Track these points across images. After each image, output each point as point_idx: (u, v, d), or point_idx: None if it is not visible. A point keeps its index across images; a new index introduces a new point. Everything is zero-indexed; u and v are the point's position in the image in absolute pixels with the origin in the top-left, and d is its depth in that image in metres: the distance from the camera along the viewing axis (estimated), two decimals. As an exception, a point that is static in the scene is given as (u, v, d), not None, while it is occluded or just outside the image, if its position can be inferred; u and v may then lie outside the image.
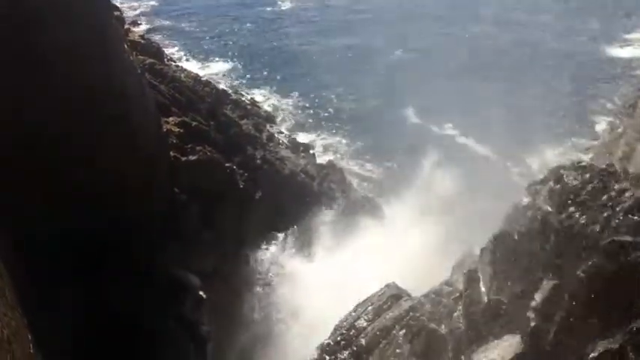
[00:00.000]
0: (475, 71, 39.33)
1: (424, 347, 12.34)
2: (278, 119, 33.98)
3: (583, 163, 10.26)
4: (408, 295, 14.24)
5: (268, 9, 55.56)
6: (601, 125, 32.62)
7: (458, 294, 12.33)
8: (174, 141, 18.82)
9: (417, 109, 36.27)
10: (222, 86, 31.06)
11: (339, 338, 13.81)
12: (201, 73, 31.22)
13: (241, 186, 20.58)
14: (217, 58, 44.25)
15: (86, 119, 13.43)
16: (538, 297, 9.22)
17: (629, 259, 8.09)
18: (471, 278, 11.67)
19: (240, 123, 24.03)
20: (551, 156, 30.10)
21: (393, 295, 14.23)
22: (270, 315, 19.66)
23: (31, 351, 8.39)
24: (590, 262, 8.54)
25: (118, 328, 13.28)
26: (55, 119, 12.62)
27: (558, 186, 9.87)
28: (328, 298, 17.63)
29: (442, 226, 19.98)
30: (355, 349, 13.41)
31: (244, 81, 40.66)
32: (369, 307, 14.12)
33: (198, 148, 19.23)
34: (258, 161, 22.36)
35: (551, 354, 8.69)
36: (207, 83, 24.38)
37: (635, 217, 8.46)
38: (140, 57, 21.20)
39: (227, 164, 20.28)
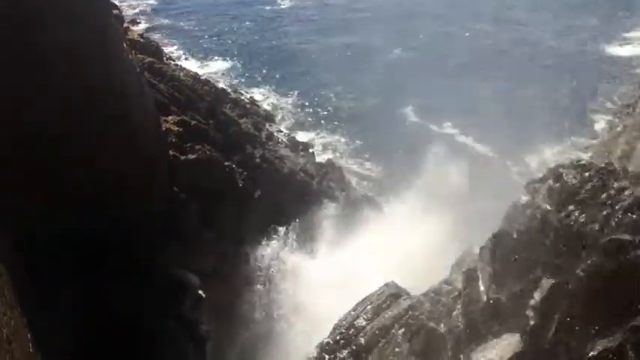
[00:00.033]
0: (474, 70, 39.35)
1: (423, 346, 12.34)
2: (277, 118, 33.97)
3: (582, 162, 10.27)
4: (407, 294, 14.25)
5: (267, 8, 55.54)
6: (600, 124, 32.64)
7: (457, 293, 12.33)
8: (174, 140, 18.82)
9: (416, 107, 36.29)
10: (221, 85, 31.08)
11: (338, 337, 13.82)
12: (200, 71, 31.22)
13: (240, 185, 20.57)
14: (216, 57, 44.23)
15: (86, 119, 13.42)
16: (537, 296, 9.23)
17: (629, 258, 8.09)
18: (470, 277, 11.68)
19: (240, 122, 24.02)
20: (550, 155, 30.11)
21: (392, 294, 14.23)
22: (272, 312, 19.65)
23: (31, 350, 8.40)
24: (589, 261, 8.55)
25: (118, 327, 13.28)
26: (55, 119, 12.61)
27: (558, 185, 9.88)
28: (331, 295, 17.64)
29: (442, 224, 19.99)
30: (354, 348, 13.42)
31: (243, 80, 40.65)
32: (368, 306, 14.13)
33: (197, 147, 19.23)
34: (258, 160, 22.36)
35: (550, 353, 8.70)
36: (207, 82, 24.39)
37: (635, 216, 8.46)
38: (139, 56, 21.20)
39: (226, 163, 20.27)
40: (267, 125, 27.75)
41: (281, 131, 30.12)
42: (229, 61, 43.64)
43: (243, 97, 31.22)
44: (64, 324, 11.56)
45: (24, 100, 12.22)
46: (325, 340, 13.97)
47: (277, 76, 41.47)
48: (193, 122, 20.01)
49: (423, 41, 46.17)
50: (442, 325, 12.26)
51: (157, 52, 24.16)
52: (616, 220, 8.61)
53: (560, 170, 10.05)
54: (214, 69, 41.70)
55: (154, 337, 14.91)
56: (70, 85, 13.00)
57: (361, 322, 13.89)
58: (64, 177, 12.95)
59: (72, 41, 12.89)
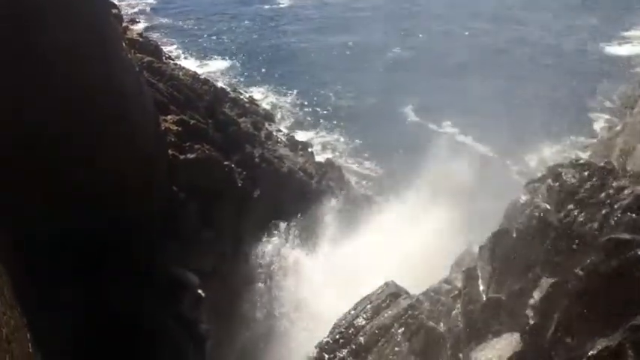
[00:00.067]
0: (474, 69, 39.29)
1: (423, 345, 12.35)
2: (276, 117, 33.98)
3: (581, 161, 10.27)
4: (407, 293, 14.24)
5: (266, 7, 55.54)
6: (599, 123, 32.71)
7: (457, 292, 12.35)
8: (173, 139, 18.80)
9: (415, 107, 36.31)
10: (220, 84, 31.07)
11: (337, 336, 13.81)
12: (199, 71, 31.21)
13: (240, 184, 20.57)
14: (216, 56, 44.23)
15: (86, 119, 13.41)
16: (537, 295, 9.23)
17: (628, 257, 8.09)
18: (470, 276, 11.68)
19: (239, 121, 24.01)
20: (549, 154, 30.15)
21: (392, 293, 14.22)
22: (273, 311, 19.65)
23: (30, 350, 8.40)
24: (588, 260, 8.55)
25: (118, 327, 13.28)
26: (55, 119, 12.60)
27: (557, 184, 9.89)
28: (333, 292, 17.64)
29: (442, 224, 20.00)
30: (354, 347, 13.41)
31: (243, 79, 40.65)
32: (368, 306, 14.12)
33: (196, 146, 19.22)
34: (257, 159, 22.35)
35: (549, 352, 8.70)
36: (206, 81, 24.35)
37: (634, 215, 8.47)
38: (138, 55, 21.17)
39: (225, 162, 20.27)
40: (266, 124, 27.75)
41: (280, 130, 30.14)
42: (228, 61, 43.63)
43: (242, 97, 31.22)
44: (64, 324, 11.55)
45: (24, 100, 12.21)
46: (325, 340, 13.96)
47: (276, 75, 41.47)
48: (192, 121, 20.00)
49: (423, 40, 46.21)
50: (442, 325, 12.27)
51: (156, 51, 24.13)
52: (615, 219, 8.62)
53: (560, 169, 10.06)
54: (213, 68, 41.69)
55: (154, 337, 14.92)
56: (70, 85, 12.99)
57: (361, 321, 13.88)
58: (64, 177, 12.94)
59: (72, 41, 12.88)
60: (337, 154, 32.56)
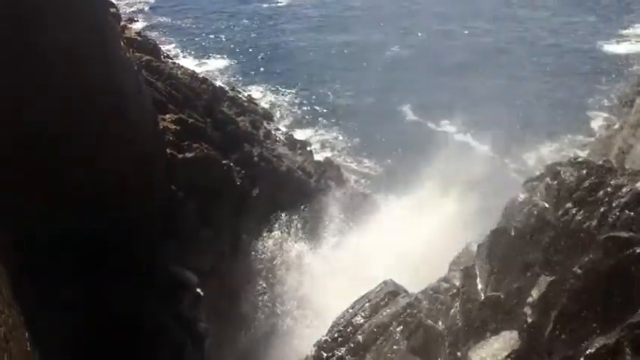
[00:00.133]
0: (472, 68, 39.38)
1: (421, 343, 12.36)
2: (275, 116, 33.98)
3: (580, 160, 10.27)
4: (405, 291, 14.26)
5: (265, 5, 55.50)
6: (597, 122, 32.73)
7: (455, 291, 12.35)
8: (171, 138, 18.79)
9: (414, 105, 36.32)
10: (219, 83, 31.05)
11: (336, 335, 13.82)
12: (198, 70, 31.17)
13: (238, 183, 20.57)
14: (214, 55, 44.21)
15: (86, 119, 13.42)
16: (535, 293, 9.23)
17: (626, 255, 8.09)
18: (468, 275, 11.69)
19: (237, 120, 24.00)
20: (547, 152, 30.20)
21: (390, 291, 14.24)
22: (276, 308, 19.63)
23: (28, 349, 8.40)
24: (586, 258, 8.55)
25: (118, 327, 13.28)
26: (55, 119, 12.60)
27: (555, 182, 9.89)
28: (337, 286, 17.63)
29: (441, 223, 20.05)
30: (352, 345, 13.42)
31: (241, 78, 40.64)
32: (366, 304, 14.14)
33: (195, 145, 19.21)
34: (256, 158, 22.35)
35: (547, 350, 8.71)
36: (204, 80, 24.33)
37: (632, 213, 8.47)
38: (137, 54, 21.15)
39: (224, 161, 20.27)
40: (264, 123, 27.75)
41: (279, 129, 30.15)
42: (227, 59, 43.61)
43: (240, 96, 31.19)
44: (64, 324, 11.56)
45: (24, 100, 12.21)
46: (323, 338, 13.98)
47: (275, 74, 41.47)
48: (191, 120, 20.00)
49: (422, 39, 46.20)
50: (440, 323, 12.28)
51: (154, 50, 24.10)
52: (613, 217, 8.62)
53: (558, 168, 10.06)
54: (212, 67, 41.68)
55: (153, 336, 14.92)
56: (70, 85, 12.99)
57: (359, 319, 13.89)
58: (64, 177, 12.94)
59: (72, 41, 12.88)
60: (336, 152, 32.58)
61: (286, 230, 21.06)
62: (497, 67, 39.06)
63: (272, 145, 25.09)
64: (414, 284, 14.35)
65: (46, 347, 9.34)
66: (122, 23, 25.71)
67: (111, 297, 13.33)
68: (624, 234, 8.27)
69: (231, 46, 46.17)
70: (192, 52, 44.20)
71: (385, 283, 14.59)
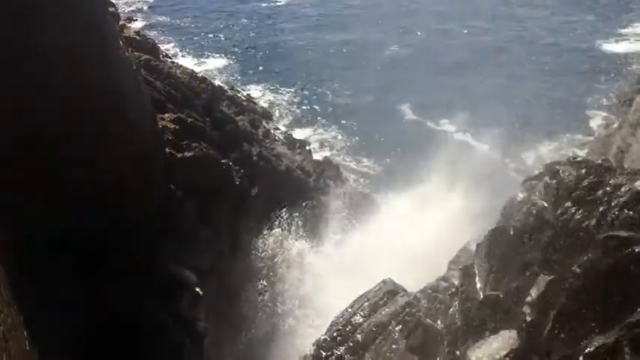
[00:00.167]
0: (472, 67, 39.40)
1: (420, 343, 12.37)
2: (274, 115, 33.97)
3: (579, 159, 10.29)
4: (404, 290, 14.27)
5: (264, 4, 55.48)
6: (596, 121, 32.75)
7: (454, 289, 12.36)
8: (170, 137, 18.77)
9: (413, 105, 36.33)
10: (218, 82, 31.01)
11: (335, 334, 13.83)
12: (197, 69, 31.13)
13: (237, 182, 20.55)
14: (213, 54, 44.19)
15: (86, 119, 13.41)
16: (534, 292, 9.24)
17: (625, 254, 8.11)
18: (467, 274, 11.70)
19: (236, 119, 23.98)
20: (546, 151, 30.21)
21: (389, 290, 14.25)
22: (277, 307, 19.60)
23: (27, 348, 8.39)
24: (585, 257, 8.57)
25: (118, 326, 13.28)
26: (55, 119, 12.59)
27: (554, 181, 9.89)
28: (340, 284, 17.60)
29: (440, 222, 20.04)
30: (351, 344, 13.43)
31: (240, 77, 40.63)
32: (365, 303, 14.15)
33: (194, 144, 19.18)
34: (255, 158, 22.33)
35: (546, 349, 8.72)
36: (203, 79, 24.29)
37: (631, 212, 8.48)
38: (135, 53, 21.11)
39: (223, 161, 20.25)
40: (263, 122, 27.73)
41: (278, 128, 30.13)
42: (226, 59, 43.60)
43: (239, 95, 31.15)
44: (63, 324, 11.56)
45: (24, 100, 12.21)
46: (322, 337, 13.99)
47: (274, 73, 41.47)
48: (190, 120, 19.97)
49: (421, 38, 46.21)
50: (439, 322, 12.29)
51: (153, 49, 24.06)
52: (612, 216, 8.63)
53: (557, 167, 10.07)
54: (211, 66, 41.67)
55: (153, 335, 14.93)
56: (70, 85, 12.98)
57: (358, 318, 13.90)
58: (64, 177, 12.94)
59: (72, 41, 12.88)
60: (335, 151, 32.59)
61: (287, 228, 21.02)
62: (496, 66, 39.08)
63: (271, 145, 25.08)
64: (419, 280, 14.33)
65: (45, 347, 9.33)
66: (121, 22, 25.68)
67: (110, 296, 13.33)
68: (623, 233, 8.28)
69: (230, 45, 46.15)
70: (191, 52, 44.18)
71: (384, 282, 14.60)
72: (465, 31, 47.22)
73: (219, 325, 18.08)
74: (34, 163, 12.44)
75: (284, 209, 21.27)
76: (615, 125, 19.16)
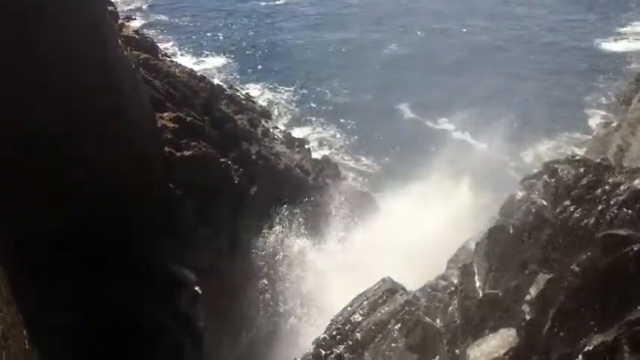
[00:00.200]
0: (471, 66, 39.40)
1: (420, 341, 12.39)
2: (273, 114, 33.95)
3: (577, 157, 10.30)
4: (404, 289, 14.29)
5: (262, 3, 55.45)
6: (595, 119, 32.76)
7: (453, 288, 12.38)
8: (169, 136, 18.76)
9: (412, 103, 36.34)
10: (216, 81, 31.00)
11: (334, 333, 13.84)
12: (195, 68, 31.12)
13: (236, 181, 20.54)
14: (212, 53, 44.17)
15: (86, 119, 13.42)
16: (533, 291, 9.26)
17: (624, 253, 8.12)
18: (466, 272, 11.72)
19: (235, 118, 23.97)
20: (545, 150, 30.23)
21: (389, 289, 14.27)
22: (278, 306, 19.56)
23: (27, 347, 8.39)
24: (584, 256, 8.58)
25: (117, 325, 13.28)
26: (55, 119, 12.60)
27: (553, 180, 9.91)
28: (342, 282, 17.58)
29: (439, 221, 20.05)
30: (351, 343, 13.44)
31: (239, 76, 40.61)
32: (365, 302, 14.16)
33: (192, 143, 19.17)
34: (254, 156, 22.33)
35: (545, 347, 8.73)
36: (202, 78, 24.28)
37: (630, 211, 8.49)
38: (134, 52, 21.08)
39: (222, 159, 20.24)
40: (262, 121, 27.71)
41: (277, 127, 30.10)
42: (225, 57, 43.58)
43: (238, 94, 31.13)
44: (64, 323, 11.56)
45: (24, 100, 12.20)
46: (321, 336, 14.00)
47: (273, 72, 41.45)
48: (189, 119, 19.96)
49: (420, 37, 46.22)
50: (438, 321, 12.31)
51: (152, 48, 24.03)
52: (611, 215, 8.64)
53: (556, 166, 10.08)
54: (210, 65, 41.64)
55: (153, 335, 14.93)
56: (70, 85, 12.99)
57: (357, 317, 13.92)
58: (64, 177, 12.94)
59: (72, 41, 12.88)
60: (334, 150, 32.59)
61: (288, 225, 20.97)
62: (494, 65, 39.09)
63: (270, 143, 25.07)
64: (419, 279, 14.34)
65: (45, 346, 9.33)
66: (120, 21, 25.65)
67: (110, 296, 13.33)
68: (622, 232, 8.29)
69: (229, 44, 46.12)
70: (190, 50, 44.15)
71: (383, 280, 14.62)
72: (464, 30, 47.23)
73: (220, 324, 18.08)
74: (34, 163, 12.44)
75: (285, 205, 21.18)
76: (614, 124, 19.16)
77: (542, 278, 9.20)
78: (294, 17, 52.14)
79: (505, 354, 9.28)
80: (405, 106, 36.36)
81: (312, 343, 14.00)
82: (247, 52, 44.75)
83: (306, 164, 25.94)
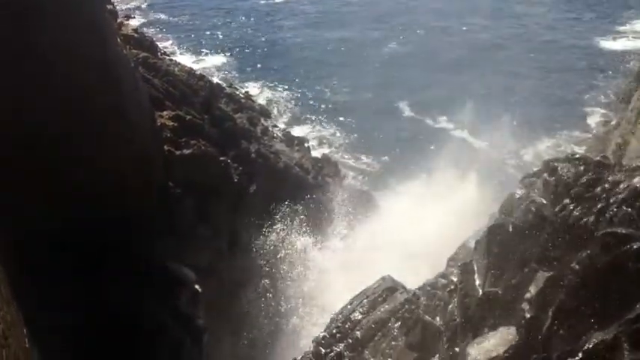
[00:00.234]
0: (470, 64, 39.39)
1: (419, 339, 12.39)
2: (273, 113, 33.92)
3: (577, 156, 10.30)
4: (404, 287, 14.29)
5: (262, 2, 55.44)
6: (594, 118, 32.80)
7: (453, 286, 12.38)
8: (168, 135, 18.76)
9: (411, 102, 36.34)
10: (216, 80, 30.96)
11: (334, 331, 13.84)
12: (195, 66, 31.13)
13: (236, 180, 20.54)
14: (211, 52, 44.14)
15: (85, 119, 13.43)
16: (532, 289, 9.25)
17: (623, 251, 8.11)
18: (466, 271, 11.71)
19: (235, 117, 23.97)
20: (544, 148, 30.23)
21: (389, 287, 14.27)
22: (280, 306, 19.50)
23: (27, 346, 8.40)
24: (584, 254, 8.57)
25: (117, 324, 13.29)
26: (55, 119, 12.61)
27: (552, 178, 9.91)
28: (344, 281, 17.55)
29: (437, 220, 20.05)
30: (351, 341, 13.44)
31: (238, 74, 40.59)
32: (364, 300, 14.16)
33: (192, 142, 19.17)
34: (253, 155, 22.32)
35: (545, 345, 8.73)
36: (201, 77, 24.27)
37: (629, 209, 8.49)
38: (133, 51, 21.08)
39: (221, 158, 20.24)
40: (262, 120, 27.70)
41: (276, 126, 30.08)
42: (224, 56, 43.55)
43: (238, 92, 31.11)
44: (64, 323, 11.57)
45: (24, 100, 12.21)
46: (321, 334, 14.00)
47: (272, 70, 41.42)
48: (188, 117, 19.96)
49: (419, 35, 46.19)
50: (438, 319, 12.31)
51: (151, 47, 24.04)
52: (611, 213, 8.63)
53: (555, 164, 10.08)
54: (209, 64, 41.62)
55: (152, 334, 14.93)
56: (70, 85, 13.00)
57: (357, 315, 13.91)
58: (64, 177, 12.96)
59: (72, 41, 12.88)
60: (334, 149, 32.59)
61: (289, 222, 20.86)
62: (494, 63, 39.08)
63: (269, 142, 25.07)
64: (421, 277, 14.34)
65: (45, 345, 9.34)
66: (119, 20, 25.65)
67: (110, 296, 13.34)
68: (622, 230, 8.28)
69: (229, 42, 46.10)
70: (190, 49, 44.12)
71: (383, 279, 14.61)
72: (464, 29, 47.21)
73: (220, 323, 18.06)
74: (34, 163, 12.46)
75: (286, 202, 21.11)
76: (613, 122, 19.18)
77: (542, 276, 9.19)
78: (293, 15, 52.10)
79: (505, 352, 9.28)
80: (405, 104, 36.34)
81: (312, 342, 14.00)
82: (247, 50, 44.71)
83: (306, 163, 25.94)
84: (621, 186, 8.80)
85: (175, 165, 18.28)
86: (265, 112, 31.09)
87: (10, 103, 11.81)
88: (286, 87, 38.95)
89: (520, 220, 10.24)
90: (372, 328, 13.40)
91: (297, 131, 32.17)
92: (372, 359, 12.90)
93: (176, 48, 43.38)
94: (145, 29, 37.73)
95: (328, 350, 13.54)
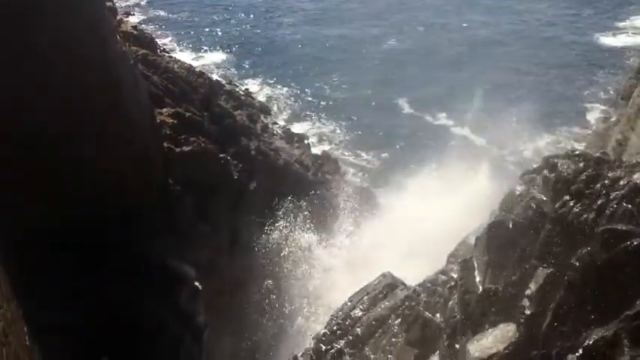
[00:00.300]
0: (469, 61, 39.38)
1: (419, 336, 12.41)
2: (272, 110, 33.90)
3: (577, 152, 10.29)
4: (404, 284, 14.31)
5: (261, -1, 55.40)
6: (594, 114, 32.77)
7: (453, 283, 12.39)
8: (168, 132, 18.73)
9: (411, 99, 36.32)
10: (215, 77, 30.97)
11: (335, 328, 13.87)
12: (194, 63, 31.08)
13: (236, 177, 20.52)
14: (211, 49, 44.10)
15: (85, 119, 13.42)
16: (532, 285, 9.26)
17: (623, 247, 8.12)
18: (466, 267, 11.71)
19: (234, 114, 23.94)
20: (544, 145, 30.23)
21: (389, 284, 14.30)
22: (283, 306, 19.39)
23: (27, 343, 8.41)
24: (584, 251, 8.58)
25: (118, 326, 13.30)
26: (55, 119, 12.60)
27: (552, 175, 9.90)
28: (349, 280, 17.51)
29: (437, 219, 20.03)
30: (351, 338, 13.47)
31: (238, 71, 40.56)
32: (365, 297, 14.19)
33: (192, 139, 19.13)
34: (253, 152, 22.30)
35: (545, 342, 8.75)
36: (201, 74, 24.23)
37: (629, 205, 8.49)
38: (133, 48, 21.04)
39: (221, 155, 20.20)
40: (262, 117, 27.68)
41: (276, 123, 30.06)
42: (224, 53, 43.51)
43: (237, 89, 31.08)
44: (64, 322, 11.58)
45: (24, 100, 12.20)
46: (322, 331, 14.03)
47: (272, 67, 41.39)
48: (188, 114, 19.92)
49: (419, 32, 46.16)
50: (438, 315, 12.33)
51: (150, 44, 24.00)
52: (611, 209, 8.64)
53: (555, 160, 10.07)
54: (209, 61, 41.59)
55: (152, 334, 14.94)
56: (70, 85, 12.98)
57: (357, 312, 13.95)
58: (64, 177, 12.95)
59: (72, 41, 12.86)
60: (333, 145, 32.58)
61: (292, 219, 20.68)
62: (494, 59, 39.07)
63: (269, 139, 25.05)
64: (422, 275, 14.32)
65: (45, 344, 9.35)
66: (118, 17, 25.63)
67: (110, 296, 13.34)
68: (622, 226, 8.30)
69: (228, 39, 46.04)
70: (189, 46, 44.08)
71: (383, 275, 14.64)
72: (464, 25, 47.16)
73: (220, 322, 18.04)
74: (34, 163, 12.46)
75: (289, 198, 20.97)
76: (613, 119, 19.15)
77: (542, 273, 9.20)
78: (292, 12, 52.02)
79: (505, 349, 9.29)
80: (405, 101, 36.32)
81: (313, 338, 14.05)
82: (246, 47, 44.66)
83: (306, 159, 25.93)
84: (621, 182, 8.80)
85: (175, 162, 18.25)
86: (265, 109, 31.07)
87: (10, 103, 11.80)
88: (286, 84, 38.92)
89: (520, 216, 10.23)
90: (373, 324, 13.43)
91: (297, 128, 32.15)
92: (373, 356, 12.93)
93: (175, 45, 43.33)
94: (144, 26, 37.71)
95: (329, 347, 13.58)
